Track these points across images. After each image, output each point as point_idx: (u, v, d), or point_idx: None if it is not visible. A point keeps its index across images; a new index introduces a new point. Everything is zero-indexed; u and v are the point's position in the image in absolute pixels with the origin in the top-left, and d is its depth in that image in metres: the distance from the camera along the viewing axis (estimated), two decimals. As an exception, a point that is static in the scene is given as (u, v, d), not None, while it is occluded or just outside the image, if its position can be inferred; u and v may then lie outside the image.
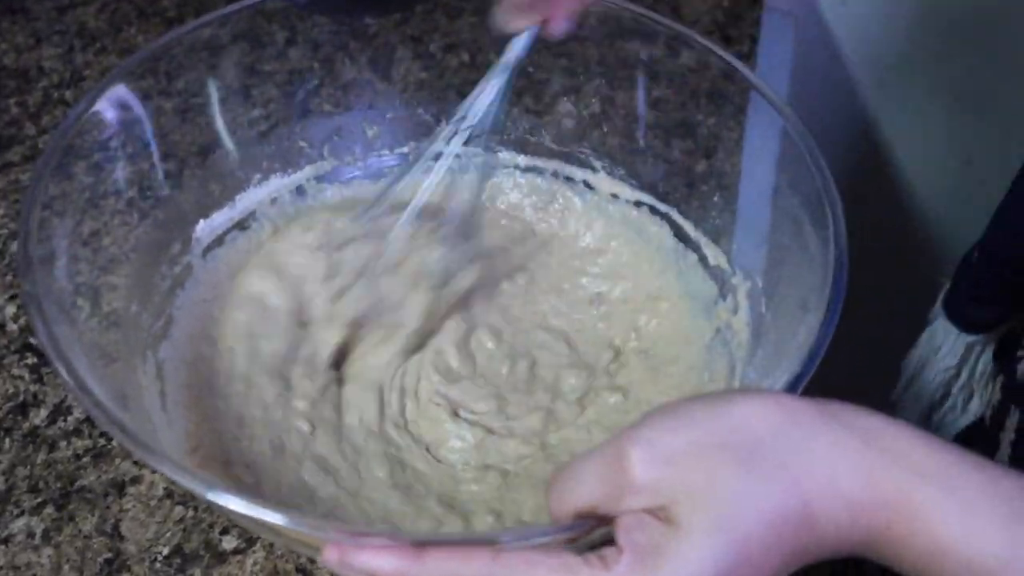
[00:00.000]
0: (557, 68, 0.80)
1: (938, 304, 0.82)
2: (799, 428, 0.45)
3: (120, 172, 0.69)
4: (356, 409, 0.68)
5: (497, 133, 0.67)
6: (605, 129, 0.79)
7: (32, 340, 0.76)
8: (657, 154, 0.76)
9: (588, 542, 0.48)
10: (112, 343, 0.63)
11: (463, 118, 0.66)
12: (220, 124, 0.75)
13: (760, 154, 0.68)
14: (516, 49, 0.65)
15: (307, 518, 0.48)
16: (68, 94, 0.94)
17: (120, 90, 0.67)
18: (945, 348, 0.81)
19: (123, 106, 0.68)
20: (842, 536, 0.45)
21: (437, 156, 0.68)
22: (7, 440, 0.70)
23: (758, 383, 0.61)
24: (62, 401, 0.73)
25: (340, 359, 0.70)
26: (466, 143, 0.67)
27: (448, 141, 0.67)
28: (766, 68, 0.99)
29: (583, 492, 0.46)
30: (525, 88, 0.79)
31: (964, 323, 0.79)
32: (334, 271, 0.71)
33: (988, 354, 0.80)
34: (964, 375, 0.80)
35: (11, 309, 0.78)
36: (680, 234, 0.75)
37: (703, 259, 0.73)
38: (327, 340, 0.70)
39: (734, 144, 0.72)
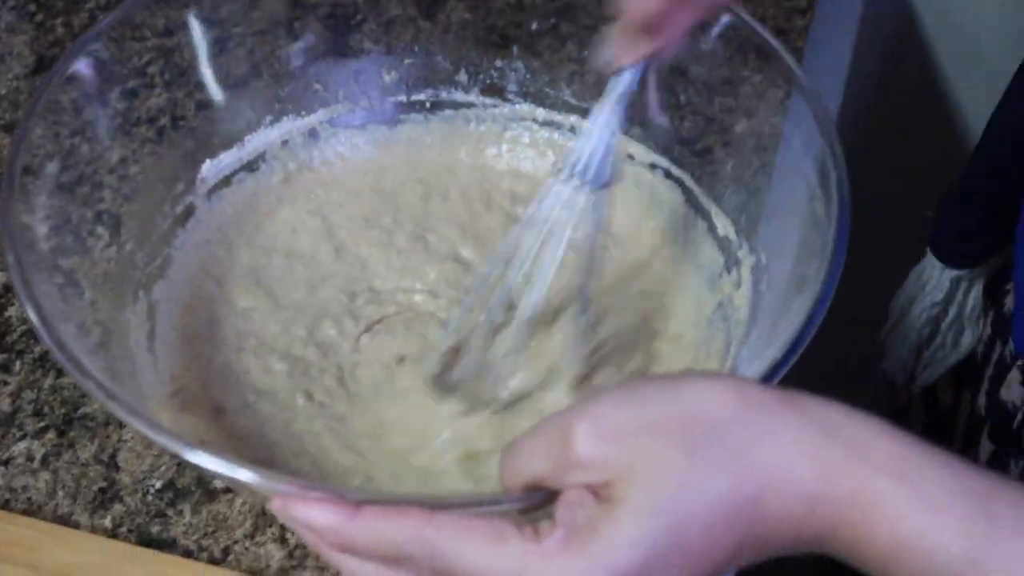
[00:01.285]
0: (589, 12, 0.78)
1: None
2: (758, 416, 0.44)
3: (123, 103, 0.68)
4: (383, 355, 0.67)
5: (608, 183, 0.59)
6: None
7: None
8: (677, 119, 0.73)
9: (545, 513, 0.48)
10: (98, 279, 0.64)
11: (572, 174, 0.59)
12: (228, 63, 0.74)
13: (778, 127, 0.66)
14: (625, 82, 0.56)
15: (256, 470, 0.47)
16: (113, 16, 0.94)
17: (125, 21, 0.67)
18: (931, 284, 0.80)
19: (131, 38, 0.68)
20: (798, 529, 0.43)
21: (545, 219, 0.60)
22: (18, 363, 0.72)
23: (748, 364, 0.59)
24: (75, 327, 0.74)
25: None
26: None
27: (560, 204, 0.59)
28: (832, 20, 0.95)
29: (530, 465, 0.46)
30: (549, 39, 0.77)
31: (949, 258, 0.78)
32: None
33: (978, 289, 0.78)
34: (952, 312, 0.79)
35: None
36: (691, 200, 0.73)
37: (712, 228, 0.70)
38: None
39: (754, 115, 0.69)
